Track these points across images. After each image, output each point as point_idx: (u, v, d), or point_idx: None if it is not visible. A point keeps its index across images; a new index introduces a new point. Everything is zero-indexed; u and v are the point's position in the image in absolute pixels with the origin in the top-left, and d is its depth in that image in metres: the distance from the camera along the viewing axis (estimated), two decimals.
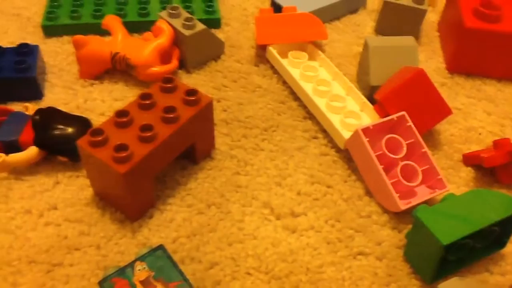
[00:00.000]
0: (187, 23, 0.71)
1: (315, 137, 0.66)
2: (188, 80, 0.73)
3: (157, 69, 0.70)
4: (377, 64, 0.68)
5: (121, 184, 0.51)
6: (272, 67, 0.75)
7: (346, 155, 0.63)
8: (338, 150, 0.64)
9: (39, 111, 0.60)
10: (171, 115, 0.54)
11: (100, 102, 0.69)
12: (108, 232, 0.54)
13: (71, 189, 0.58)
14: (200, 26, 0.72)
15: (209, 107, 0.58)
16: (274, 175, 0.61)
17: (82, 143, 0.52)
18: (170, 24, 0.72)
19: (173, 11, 0.73)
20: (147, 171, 0.53)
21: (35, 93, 0.68)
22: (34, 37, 0.79)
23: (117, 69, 0.71)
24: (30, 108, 0.64)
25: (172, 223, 0.55)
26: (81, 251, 0.53)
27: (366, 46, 0.69)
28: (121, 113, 0.54)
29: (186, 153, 0.59)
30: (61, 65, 0.74)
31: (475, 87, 0.74)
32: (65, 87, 0.71)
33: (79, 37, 0.70)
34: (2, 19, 0.81)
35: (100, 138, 0.51)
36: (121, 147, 0.51)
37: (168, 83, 0.58)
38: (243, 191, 0.59)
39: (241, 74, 0.74)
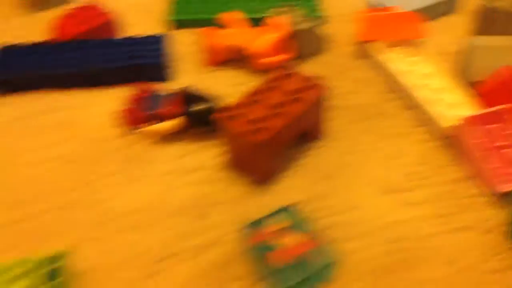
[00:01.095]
0: (300, 19, 0.80)
1: (418, 126, 0.72)
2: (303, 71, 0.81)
3: (271, 59, 0.79)
4: (478, 60, 0.73)
5: (256, 152, 0.60)
6: (373, 62, 0.82)
7: (448, 143, 0.68)
8: (440, 138, 0.70)
9: (183, 88, 0.71)
10: (297, 96, 0.63)
11: (224, 87, 0.78)
12: (241, 193, 0.64)
13: (205, 156, 0.68)
14: (311, 23, 0.81)
15: (324, 91, 0.66)
16: (381, 155, 0.68)
17: (222, 116, 0.62)
18: (285, 20, 0.81)
19: (287, 9, 0.82)
20: (277, 143, 0.62)
21: (162, 77, 0.79)
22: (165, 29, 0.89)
23: (238, 58, 0.81)
24: (163, 88, 0.74)
25: (291, 190, 0.64)
26: (219, 206, 0.62)
27: (466, 42, 0.75)
28: (254, 92, 0.63)
29: (303, 134, 0.68)
30: (188, 54, 0.84)
31: None
32: (192, 73, 0.81)
33: (208, 28, 0.81)
34: (138, 15, 0.93)
35: (237, 112, 0.61)
36: (255, 121, 0.60)
37: (287, 69, 0.67)
38: (352, 167, 0.66)
39: (344, 67, 0.82)
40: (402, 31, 0.82)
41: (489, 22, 0.84)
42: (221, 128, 0.63)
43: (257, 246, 0.54)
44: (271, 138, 0.59)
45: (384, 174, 0.65)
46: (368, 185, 0.64)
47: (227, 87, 0.78)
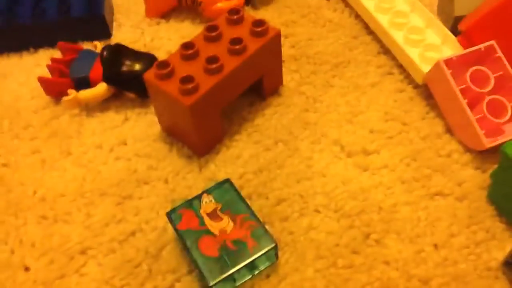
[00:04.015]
0: None
1: (390, 73, 0.61)
2: (255, 16, 0.70)
3: (223, 4, 0.67)
4: None
5: (187, 117, 0.50)
6: (344, 0, 0.70)
7: (424, 91, 0.58)
8: (416, 86, 0.59)
9: (107, 48, 0.59)
10: (238, 47, 0.52)
11: (167, 41, 0.68)
12: (175, 167, 0.54)
13: (139, 125, 0.58)
14: None
15: (277, 39, 0.55)
16: (345, 112, 0.57)
17: (149, 76, 0.51)
18: None
19: None
20: (214, 104, 0.52)
21: (104, 32, 0.68)
22: None
23: (183, 6, 0.70)
24: (99, 46, 0.64)
25: (239, 159, 0.54)
26: (150, 185, 0.53)
27: None
28: (187, 45, 0.53)
29: (254, 89, 0.57)
30: (128, 5, 0.74)
31: None
32: (133, 26, 0.71)
33: None
34: None
35: (166, 71, 0.50)
36: (187, 79, 0.49)
37: (234, 14, 0.56)
38: (312, 128, 0.56)
39: (311, 9, 0.70)
40: None
41: None
42: (151, 90, 0.53)
43: (187, 233, 0.45)
44: (202, 99, 0.49)
45: (346, 135, 0.55)
46: (327, 150, 0.54)
47: (172, 40, 0.68)
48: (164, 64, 0.51)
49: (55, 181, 0.55)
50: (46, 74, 0.62)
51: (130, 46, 0.65)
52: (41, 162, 0.56)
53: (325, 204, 0.50)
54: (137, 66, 0.59)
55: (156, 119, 0.58)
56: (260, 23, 0.54)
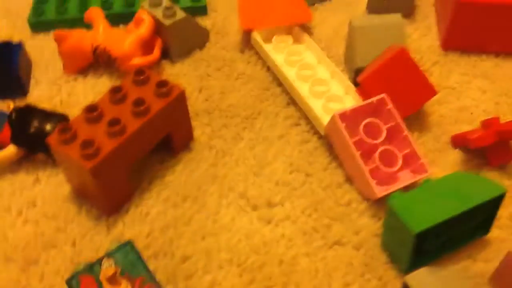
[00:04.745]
0: (167, 12, 0.70)
1: (297, 124, 0.64)
2: (171, 70, 0.72)
3: (138, 60, 0.69)
4: (362, 45, 0.65)
5: (91, 180, 0.51)
6: (258, 53, 0.73)
7: (328, 142, 0.61)
8: (320, 136, 0.62)
9: (16, 110, 0.60)
10: (140, 108, 0.53)
11: (83, 97, 0.68)
12: (83, 228, 0.55)
13: (50, 186, 0.59)
14: (181, 14, 0.71)
15: (181, 98, 0.57)
16: (252, 164, 0.59)
17: (52, 140, 0.52)
18: (150, 14, 0.71)
19: (155, 0, 0.71)
20: (117, 165, 0.53)
21: (19, 90, 0.69)
22: (22, 33, 0.79)
23: (99, 62, 0.71)
24: (11, 106, 0.64)
25: (147, 217, 0.55)
26: (57, 248, 0.53)
27: (351, 26, 0.67)
28: (90, 108, 0.54)
29: (164, 145, 0.59)
30: (47, 61, 0.74)
31: (470, 64, 0.71)
32: (50, 83, 0.71)
33: (59, 31, 0.70)
34: None
35: (68, 135, 0.51)
36: (87, 143, 0.50)
37: (139, 75, 0.57)
38: (220, 182, 0.58)
39: (226, 62, 0.72)
40: (286, 16, 0.73)
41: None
42: (55, 153, 0.54)
43: None
44: (104, 162, 0.50)
45: (252, 188, 0.57)
46: (233, 203, 0.56)
47: (89, 97, 0.69)
48: (66, 128, 0.52)
49: None
50: None
51: (47, 102, 0.66)
52: None
53: (228, 259, 0.51)
54: (47, 127, 0.59)
55: (64, 180, 0.58)
56: (163, 83, 0.56)
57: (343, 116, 0.56)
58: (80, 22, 0.75)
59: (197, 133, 0.63)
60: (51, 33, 0.78)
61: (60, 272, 0.51)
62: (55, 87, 0.71)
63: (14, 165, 0.60)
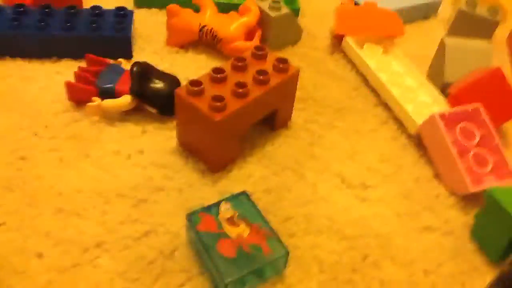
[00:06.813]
0: (274, 5, 0.76)
1: (386, 123, 0.68)
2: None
3: (241, 44, 0.74)
4: (452, 62, 0.70)
5: (213, 133, 0.55)
6: (346, 56, 0.78)
7: (416, 141, 0.65)
8: (408, 136, 0.66)
9: (137, 64, 0.64)
10: (262, 77, 0.58)
11: (184, 68, 0.73)
12: (190, 179, 0.58)
13: (157, 138, 0.62)
14: (286, 10, 0.76)
15: (295, 76, 0.62)
16: (346, 149, 0.64)
17: (180, 91, 0.56)
18: (257, 5, 0.76)
19: None
20: (237, 125, 0.57)
21: (127, 52, 0.73)
22: (127, 5, 0.83)
23: (202, 41, 0.76)
24: (123, 62, 0.69)
25: (250, 179, 0.59)
26: (164, 192, 0.57)
27: (442, 43, 0.72)
28: (217, 70, 0.58)
29: (265, 120, 0.63)
30: (150, 33, 0.79)
31: None
32: (152, 52, 0.76)
33: (173, 6, 0.75)
34: None
35: (198, 88, 0.55)
36: (217, 98, 0.54)
37: (260, 50, 0.62)
38: (316, 160, 0.62)
39: (316, 60, 0.78)
40: (380, 28, 0.79)
41: (465, 28, 0.82)
42: (180, 105, 0.58)
43: (206, 234, 0.49)
44: (230, 118, 0.54)
45: (347, 170, 0.61)
46: (330, 180, 0.60)
47: (189, 69, 0.73)
48: (197, 82, 0.56)
49: (72, 179, 0.57)
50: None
51: None
52: (59, 160, 0.59)
53: (328, 226, 0.55)
54: (162, 85, 0.64)
55: (173, 135, 0.62)
56: (283, 60, 0.61)
57: (442, 116, 0.60)
58: (183, 3, 0.80)
59: (293, 116, 0.67)
60: (152, 9, 0.84)
61: (170, 213, 0.54)
62: (158, 56, 0.75)
63: (123, 116, 0.64)
